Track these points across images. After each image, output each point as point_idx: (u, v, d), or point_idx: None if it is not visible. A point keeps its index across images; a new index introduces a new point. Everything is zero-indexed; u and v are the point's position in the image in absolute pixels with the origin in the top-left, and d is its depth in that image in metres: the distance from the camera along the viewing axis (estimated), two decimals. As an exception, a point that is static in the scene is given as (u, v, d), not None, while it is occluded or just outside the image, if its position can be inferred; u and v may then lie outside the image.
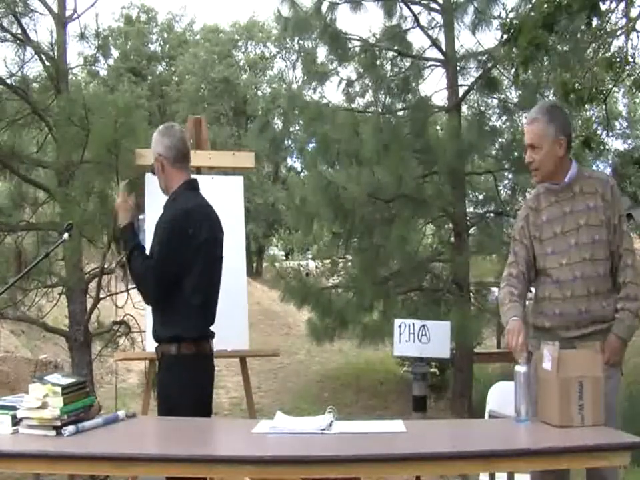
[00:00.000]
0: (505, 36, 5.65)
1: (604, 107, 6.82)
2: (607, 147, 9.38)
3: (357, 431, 2.45)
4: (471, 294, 8.03)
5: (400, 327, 4.14)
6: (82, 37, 6.26)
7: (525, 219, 2.94)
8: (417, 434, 2.53)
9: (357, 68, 9.01)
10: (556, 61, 6.97)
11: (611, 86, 6.18)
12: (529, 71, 6.32)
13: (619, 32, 5.73)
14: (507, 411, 2.79)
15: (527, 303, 2.96)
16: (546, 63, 7.01)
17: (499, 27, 6.26)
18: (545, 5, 5.12)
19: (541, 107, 2.92)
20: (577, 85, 5.63)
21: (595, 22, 5.50)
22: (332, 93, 29.15)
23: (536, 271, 2.91)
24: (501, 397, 3.33)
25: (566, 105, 5.73)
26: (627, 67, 5.72)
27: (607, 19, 5.62)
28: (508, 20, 6.05)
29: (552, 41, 5.71)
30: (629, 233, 2.89)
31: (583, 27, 5.55)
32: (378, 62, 8.61)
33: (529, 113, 2.94)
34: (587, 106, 6.45)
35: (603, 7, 5.27)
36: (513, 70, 5.90)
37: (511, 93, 8.99)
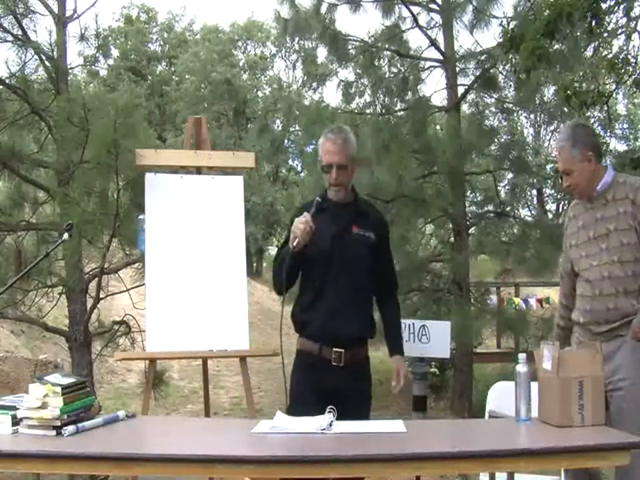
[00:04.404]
0: (507, 43, 5.65)
1: (606, 108, 6.81)
2: (609, 147, 9.40)
3: (357, 431, 2.45)
4: (471, 294, 8.03)
5: (400, 327, 4.13)
6: (82, 37, 6.25)
7: (565, 229, 3.25)
8: (417, 434, 2.53)
9: (355, 69, 9.00)
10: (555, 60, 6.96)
11: (612, 88, 6.17)
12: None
13: (619, 31, 5.73)
14: (507, 411, 2.79)
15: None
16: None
17: (500, 27, 6.26)
18: (547, 12, 5.12)
19: (564, 131, 3.14)
20: (577, 86, 5.63)
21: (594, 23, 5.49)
22: (331, 93, 29.18)
23: (576, 274, 3.17)
24: (501, 397, 3.33)
25: (568, 108, 5.74)
26: (629, 68, 5.71)
27: (607, 18, 5.61)
28: (509, 28, 6.04)
29: (552, 44, 5.70)
30: None
31: (584, 30, 5.53)
32: (377, 63, 8.61)
33: (557, 139, 3.16)
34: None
35: (604, 5, 5.27)
36: (515, 77, 5.92)
37: (509, 92, 8.99)
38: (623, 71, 5.59)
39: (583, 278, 3.08)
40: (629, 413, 2.84)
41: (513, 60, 5.82)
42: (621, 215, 2.96)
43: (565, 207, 18.46)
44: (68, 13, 6.13)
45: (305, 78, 10.21)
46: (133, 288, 5.79)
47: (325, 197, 3.05)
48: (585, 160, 3.01)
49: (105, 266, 5.46)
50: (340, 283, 2.90)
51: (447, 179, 7.92)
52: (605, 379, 2.79)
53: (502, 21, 7.45)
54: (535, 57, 5.13)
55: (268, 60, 26.18)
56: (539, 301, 10.40)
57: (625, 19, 5.67)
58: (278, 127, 14.83)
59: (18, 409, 2.45)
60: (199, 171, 4.35)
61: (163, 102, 24.96)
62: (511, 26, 6.26)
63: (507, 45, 5.62)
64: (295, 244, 2.83)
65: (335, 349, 2.89)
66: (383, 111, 8.53)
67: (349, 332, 2.89)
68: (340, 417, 2.54)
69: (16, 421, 2.45)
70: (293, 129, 10.52)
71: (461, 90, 8.35)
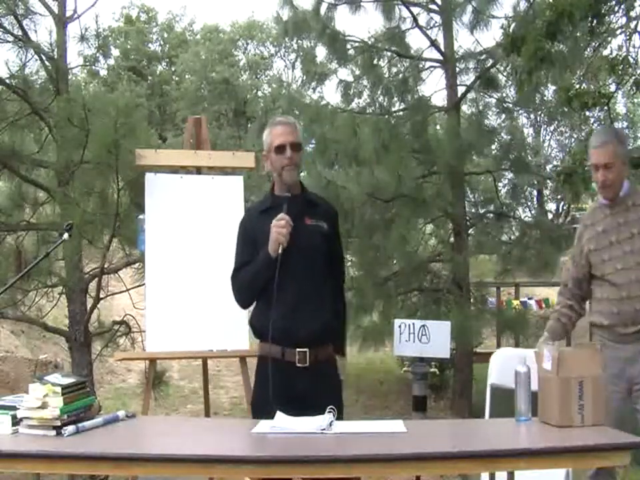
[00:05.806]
0: (508, 46, 5.63)
1: (606, 108, 6.79)
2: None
3: (356, 431, 2.45)
4: (471, 294, 8.03)
5: (400, 327, 4.14)
6: (82, 37, 6.25)
7: (579, 238, 3.29)
8: (417, 434, 2.53)
9: (353, 70, 9.00)
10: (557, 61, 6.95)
11: (613, 89, 6.15)
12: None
13: (618, 31, 5.71)
14: (510, 383, 2.66)
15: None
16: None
17: (500, 28, 6.25)
18: (548, 12, 5.10)
19: (606, 130, 3.34)
20: (577, 88, 5.62)
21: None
22: (331, 92, 29.17)
23: (592, 276, 3.22)
24: (503, 366, 3.32)
25: (568, 108, 5.73)
26: (629, 69, 5.69)
27: (607, 18, 5.60)
28: (510, 30, 6.02)
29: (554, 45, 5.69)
30: None
31: (585, 30, 5.52)
32: (377, 63, 8.62)
33: (594, 138, 3.20)
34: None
35: (604, 5, 5.26)
36: (517, 79, 5.90)
37: (510, 91, 9.00)
38: (622, 72, 5.57)
39: (606, 281, 3.13)
40: None
41: (515, 62, 5.81)
42: None
43: (564, 207, 18.45)
44: (68, 13, 6.13)
45: (304, 77, 10.20)
46: (133, 288, 5.79)
47: (273, 195, 2.95)
48: (625, 161, 3.14)
49: (105, 266, 5.46)
50: (299, 277, 2.79)
51: (446, 179, 7.92)
52: (633, 381, 2.94)
53: (502, 23, 7.46)
54: (537, 59, 5.12)
55: (268, 60, 26.19)
56: (539, 303, 10.39)
57: (624, 19, 5.65)
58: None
59: (18, 408, 2.45)
60: (198, 171, 4.35)
61: (163, 102, 24.97)
62: (512, 28, 6.25)
63: (509, 48, 5.61)
64: (280, 251, 2.74)
65: (298, 349, 2.77)
66: (382, 111, 8.52)
67: (310, 328, 2.78)
68: None
69: (16, 421, 2.45)
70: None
71: (460, 90, 8.35)
